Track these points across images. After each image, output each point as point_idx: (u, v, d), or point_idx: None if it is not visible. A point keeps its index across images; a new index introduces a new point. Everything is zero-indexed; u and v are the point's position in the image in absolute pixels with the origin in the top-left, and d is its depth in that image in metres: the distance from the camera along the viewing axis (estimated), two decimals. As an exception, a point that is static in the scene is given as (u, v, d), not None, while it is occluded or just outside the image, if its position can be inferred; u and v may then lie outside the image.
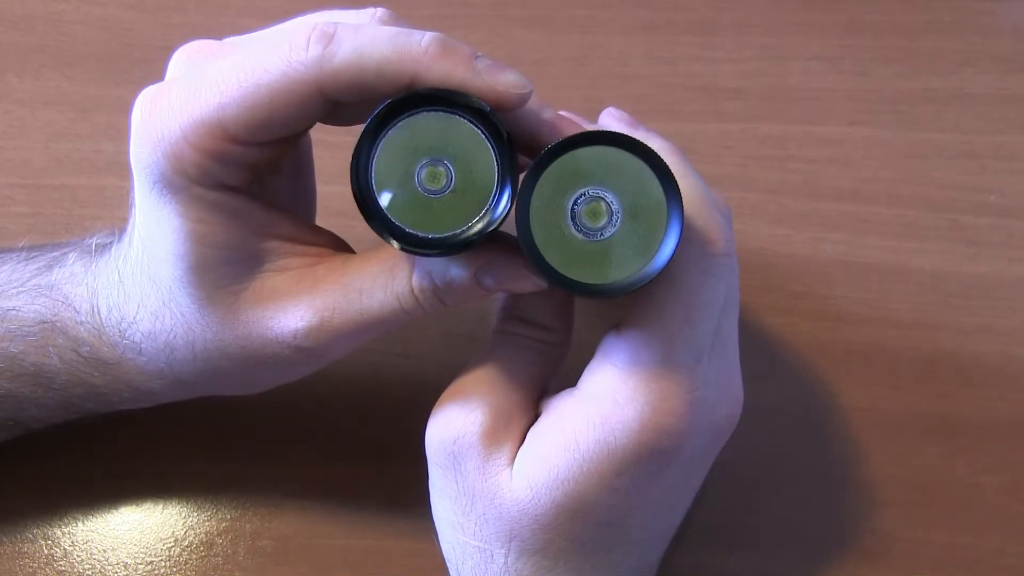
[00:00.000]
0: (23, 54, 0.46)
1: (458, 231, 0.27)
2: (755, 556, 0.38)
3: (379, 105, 0.27)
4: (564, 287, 0.27)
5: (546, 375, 0.32)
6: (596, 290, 0.28)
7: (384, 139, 0.27)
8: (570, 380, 0.32)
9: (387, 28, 0.28)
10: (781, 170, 0.44)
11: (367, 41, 0.27)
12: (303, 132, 0.30)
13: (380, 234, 0.27)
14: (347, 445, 0.39)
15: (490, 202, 0.27)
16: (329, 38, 0.27)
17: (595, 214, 0.28)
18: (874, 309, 0.41)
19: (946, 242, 0.42)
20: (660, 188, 0.27)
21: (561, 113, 0.37)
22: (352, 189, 0.27)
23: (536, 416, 0.31)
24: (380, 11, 0.30)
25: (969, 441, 0.39)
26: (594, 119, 0.38)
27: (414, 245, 0.27)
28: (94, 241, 0.34)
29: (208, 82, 0.28)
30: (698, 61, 0.46)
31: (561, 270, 0.27)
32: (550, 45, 0.46)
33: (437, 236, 0.27)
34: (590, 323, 0.36)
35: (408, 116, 0.27)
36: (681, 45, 0.46)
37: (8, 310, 0.33)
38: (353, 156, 0.27)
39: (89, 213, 0.43)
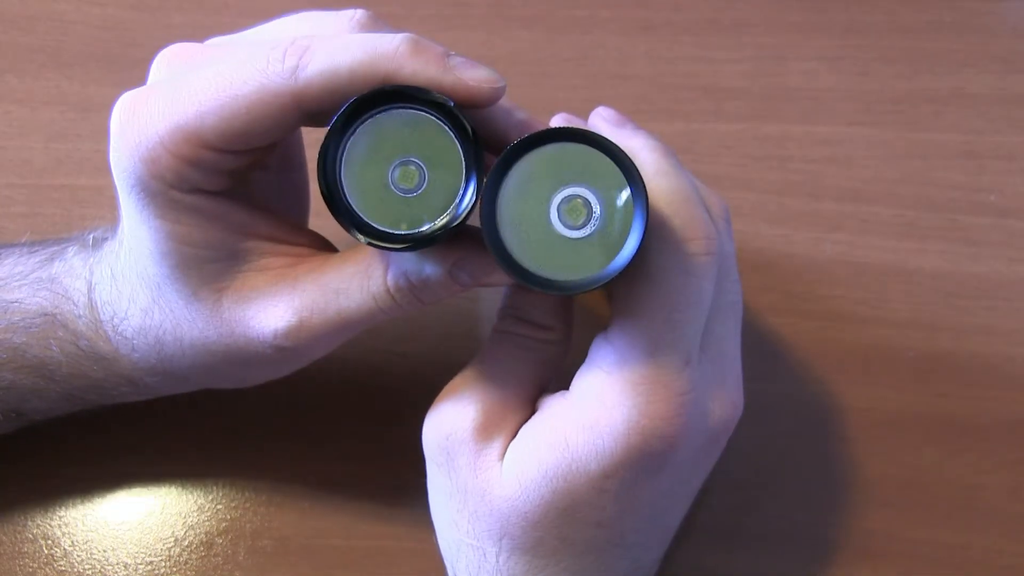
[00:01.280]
0: (23, 54, 0.46)
1: (424, 227, 0.28)
2: (755, 556, 0.38)
3: (345, 103, 0.27)
4: (526, 282, 0.28)
5: (544, 374, 0.32)
6: (557, 286, 0.28)
7: (353, 137, 0.28)
8: (570, 380, 0.32)
9: (359, 35, 0.28)
10: (781, 170, 0.44)
11: (339, 48, 0.28)
12: (281, 140, 0.31)
13: (347, 229, 0.28)
14: (347, 445, 0.39)
15: (456, 198, 0.28)
16: (303, 50, 0.28)
17: (573, 212, 0.28)
18: (874, 309, 0.41)
19: (946, 242, 0.42)
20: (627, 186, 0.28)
21: (561, 115, 0.37)
22: (319, 185, 0.27)
23: (532, 415, 0.31)
24: (359, 13, 0.30)
25: (969, 441, 0.39)
26: (594, 119, 0.38)
27: (381, 240, 0.28)
28: (92, 236, 0.34)
29: (188, 90, 0.28)
30: (698, 61, 0.46)
31: (530, 266, 0.28)
32: (550, 45, 0.46)
33: (402, 232, 0.28)
34: (591, 326, 0.36)
35: (376, 114, 0.28)
36: (681, 45, 0.46)
37: (11, 302, 0.33)
38: (320, 153, 0.27)
39: (89, 213, 0.43)
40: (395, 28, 0.31)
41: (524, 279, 0.28)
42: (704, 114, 0.45)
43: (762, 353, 0.41)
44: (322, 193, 0.27)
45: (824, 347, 0.41)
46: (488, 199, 0.27)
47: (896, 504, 0.39)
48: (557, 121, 0.37)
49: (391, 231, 0.28)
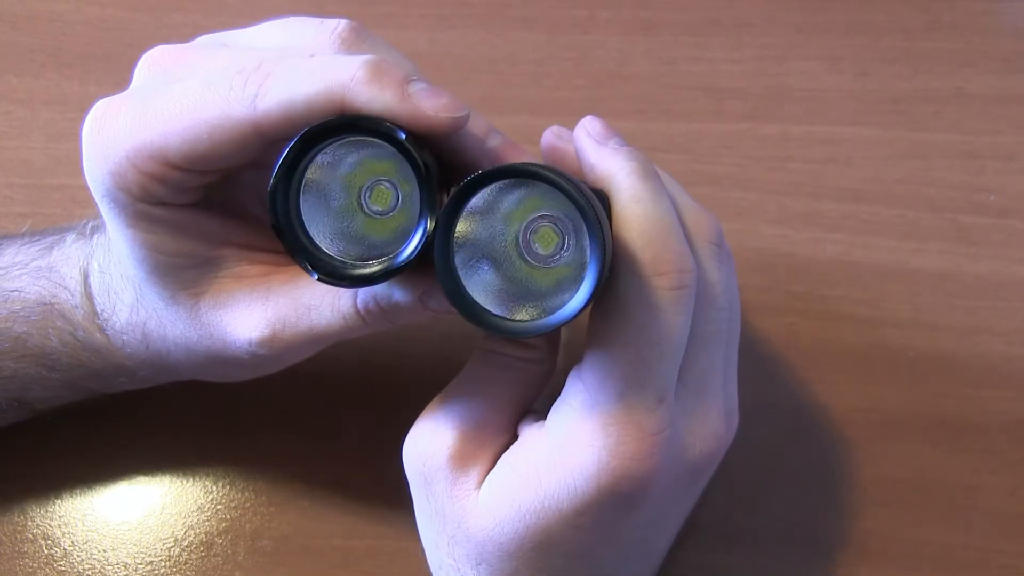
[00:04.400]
0: (23, 54, 0.46)
1: (364, 271, 0.27)
2: (755, 556, 0.38)
3: (294, 138, 0.26)
4: (475, 323, 0.26)
5: (527, 396, 0.32)
6: (503, 330, 0.26)
7: (312, 167, 0.27)
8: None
9: (320, 59, 0.28)
10: (781, 170, 0.44)
11: (298, 75, 0.27)
12: (247, 164, 0.30)
13: (301, 265, 0.27)
14: (347, 444, 0.39)
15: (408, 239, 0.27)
16: (264, 76, 0.27)
17: (545, 240, 0.27)
18: (874, 309, 0.41)
19: (946, 242, 0.42)
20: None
21: (552, 128, 0.35)
22: (271, 221, 0.27)
23: (513, 438, 0.31)
24: (342, 25, 0.30)
25: (969, 441, 0.39)
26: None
27: (332, 277, 0.27)
28: (90, 224, 0.34)
29: (154, 109, 0.28)
30: (698, 61, 0.46)
31: (488, 305, 0.26)
32: (550, 45, 0.46)
33: (350, 272, 0.27)
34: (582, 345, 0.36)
35: (334, 143, 0.27)
36: (681, 45, 0.46)
37: (11, 291, 0.33)
38: (270, 190, 0.27)
39: (89, 213, 0.42)
40: (385, 36, 0.30)
41: (473, 320, 0.26)
42: (704, 114, 0.45)
43: (762, 353, 0.41)
44: (273, 228, 0.27)
45: (824, 347, 0.41)
46: (442, 237, 0.26)
47: (896, 504, 0.39)
48: (546, 136, 0.36)
49: (341, 269, 0.27)
